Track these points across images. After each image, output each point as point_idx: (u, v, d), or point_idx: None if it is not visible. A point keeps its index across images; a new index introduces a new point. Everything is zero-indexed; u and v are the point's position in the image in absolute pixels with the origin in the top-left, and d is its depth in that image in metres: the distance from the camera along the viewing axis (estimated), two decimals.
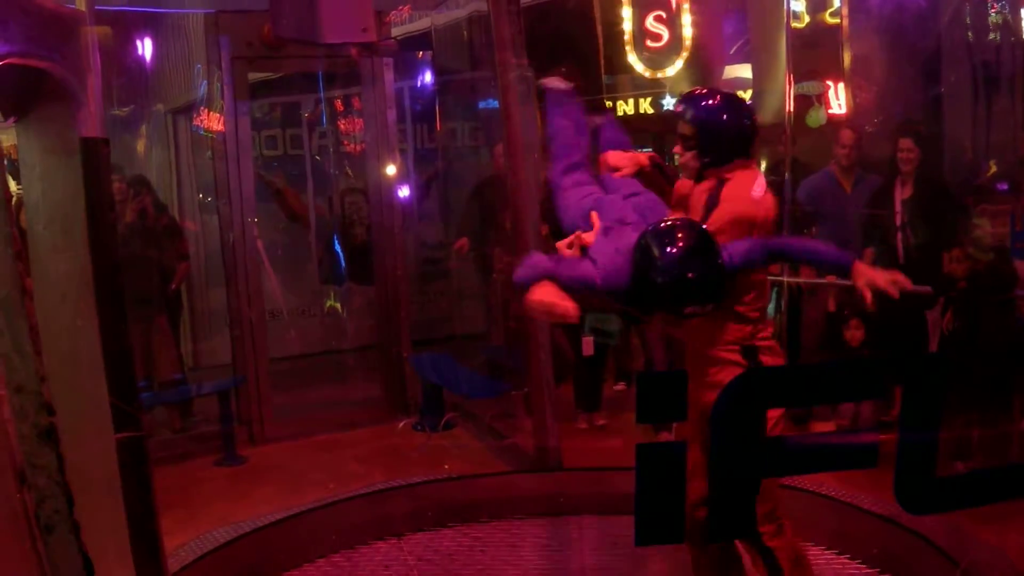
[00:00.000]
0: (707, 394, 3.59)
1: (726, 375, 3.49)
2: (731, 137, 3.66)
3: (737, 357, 3.64)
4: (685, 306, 3.29)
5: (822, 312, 7.02)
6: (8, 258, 2.01)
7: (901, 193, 6.71)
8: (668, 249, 3.25)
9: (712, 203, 3.62)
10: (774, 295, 6.87)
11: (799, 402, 4.91)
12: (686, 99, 3.76)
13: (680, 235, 3.27)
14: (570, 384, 7.31)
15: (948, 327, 6.17)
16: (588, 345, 6.92)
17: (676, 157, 3.84)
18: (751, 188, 3.64)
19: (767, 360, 3.67)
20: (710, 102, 3.69)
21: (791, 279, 6.90)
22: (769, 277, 6.47)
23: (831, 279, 6.87)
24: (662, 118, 11.70)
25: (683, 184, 3.93)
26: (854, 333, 6.61)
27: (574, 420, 7.12)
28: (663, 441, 4.96)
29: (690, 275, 3.22)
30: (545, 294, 3.48)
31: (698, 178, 3.76)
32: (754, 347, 3.65)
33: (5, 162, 2.16)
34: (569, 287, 3.50)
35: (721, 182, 3.66)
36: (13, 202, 8.99)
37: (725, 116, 3.66)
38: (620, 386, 8.01)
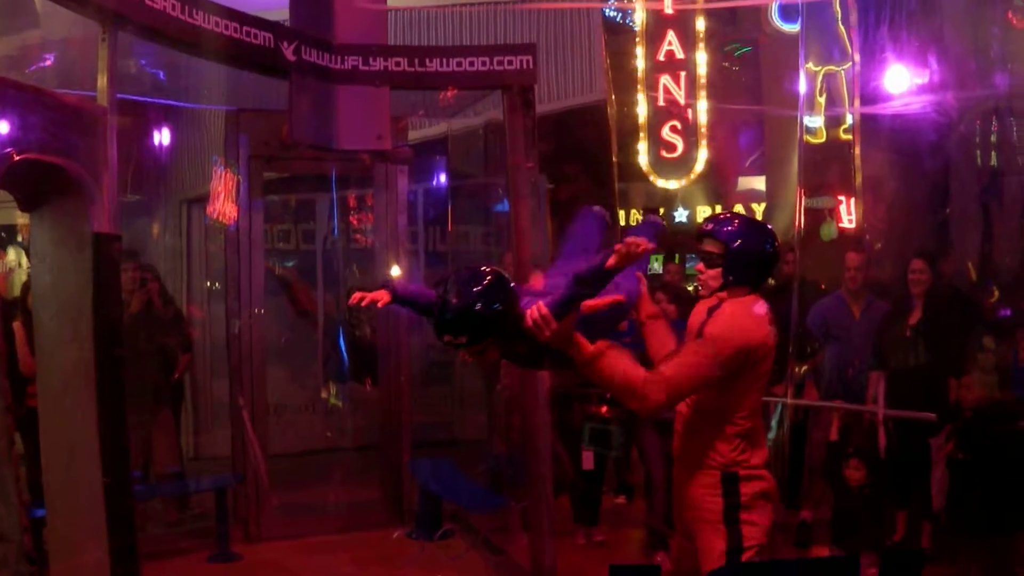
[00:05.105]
0: (688, 516, 3.69)
1: (704, 504, 3.61)
2: (755, 264, 3.71)
3: (716, 485, 3.61)
4: (444, 333, 3.29)
5: (825, 437, 6.91)
6: (0, 411, 2.01)
7: (912, 316, 6.64)
8: (463, 280, 3.31)
9: (711, 316, 3.65)
10: (776, 416, 6.81)
11: None
12: (717, 220, 3.83)
13: (477, 276, 3.33)
14: (568, 496, 7.22)
15: (956, 456, 6.08)
16: (588, 459, 6.84)
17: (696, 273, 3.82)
18: (751, 310, 3.65)
19: (748, 490, 3.60)
20: (741, 226, 3.74)
21: (794, 400, 6.84)
22: (770, 398, 6.48)
23: (838, 403, 6.81)
24: (673, 231, 11.76)
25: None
26: (853, 473, 6.26)
27: (572, 535, 6.99)
28: (642, 564, 4.90)
29: (454, 300, 3.24)
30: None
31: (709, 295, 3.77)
32: (735, 475, 3.61)
33: (13, 269, 2.16)
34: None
35: (721, 301, 3.68)
36: (21, 283, 9.01)
37: (755, 242, 3.70)
38: (620, 499, 7.90)
